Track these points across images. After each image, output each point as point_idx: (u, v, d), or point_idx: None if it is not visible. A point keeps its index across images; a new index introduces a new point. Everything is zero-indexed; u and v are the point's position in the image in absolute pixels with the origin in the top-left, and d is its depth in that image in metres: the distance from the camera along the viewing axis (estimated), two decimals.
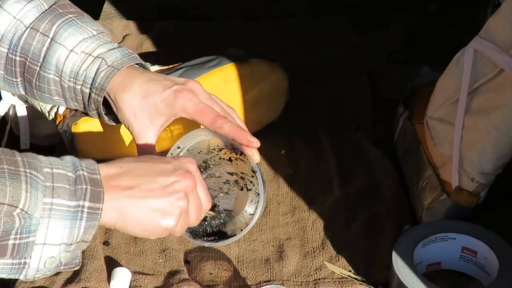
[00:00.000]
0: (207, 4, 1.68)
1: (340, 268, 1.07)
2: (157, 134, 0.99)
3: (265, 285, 1.02)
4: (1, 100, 1.29)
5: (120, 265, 1.07)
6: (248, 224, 1.03)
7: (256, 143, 0.98)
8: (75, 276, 1.05)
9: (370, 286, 1.04)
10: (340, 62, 1.47)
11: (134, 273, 1.06)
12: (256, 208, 1.02)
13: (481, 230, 1.02)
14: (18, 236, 0.77)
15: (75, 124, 1.20)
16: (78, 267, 0.84)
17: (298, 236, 1.13)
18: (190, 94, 0.98)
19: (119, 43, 1.53)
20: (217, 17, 1.64)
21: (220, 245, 1.06)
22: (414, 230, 1.03)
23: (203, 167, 1.07)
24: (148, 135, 0.99)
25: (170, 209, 0.85)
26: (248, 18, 1.61)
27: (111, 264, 1.08)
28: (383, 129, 1.31)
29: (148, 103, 0.98)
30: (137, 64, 1.03)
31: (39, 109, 1.24)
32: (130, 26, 1.59)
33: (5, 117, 1.30)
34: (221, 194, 1.07)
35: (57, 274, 1.05)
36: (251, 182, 1.03)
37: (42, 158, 0.82)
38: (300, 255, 1.10)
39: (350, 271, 1.07)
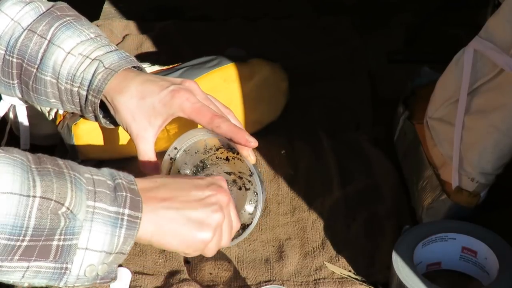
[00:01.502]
0: (207, 4, 1.68)
1: (340, 268, 1.07)
2: (156, 135, 0.99)
3: (265, 285, 1.02)
4: (1, 100, 1.29)
5: (120, 265, 1.07)
6: (249, 225, 1.03)
7: (254, 142, 0.98)
8: None
9: (370, 286, 1.04)
10: (340, 62, 1.47)
11: (134, 273, 1.06)
12: (255, 208, 1.02)
13: (481, 230, 1.02)
14: (62, 237, 0.76)
15: (75, 124, 1.20)
16: (114, 282, 0.84)
17: (298, 236, 1.13)
18: (187, 93, 0.98)
19: (119, 43, 1.53)
20: (217, 17, 1.64)
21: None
22: (414, 230, 1.03)
23: (201, 167, 1.07)
24: (147, 136, 0.99)
25: (207, 220, 0.86)
26: (248, 18, 1.61)
27: None
28: (383, 129, 1.31)
29: (146, 104, 0.98)
30: (134, 67, 1.03)
31: (39, 109, 1.24)
32: (130, 26, 1.59)
33: (5, 117, 1.30)
34: None
35: None
36: (249, 181, 1.03)
37: (81, 165, 0.82)
38: (300, 255, 1.10)
39: (350, 271, 1.07)
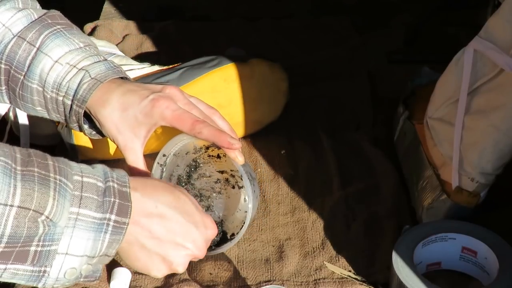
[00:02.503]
0: (207, 4, 1.68)
1: (340, 268, 1.07)
2: (143, 145, 1.00)
3: (265, 285, 1.02)
4: (0, 103, 1.29)
5: (120, 265, 1.07)
6: (242, 227, 1.03)
7: (237, 144, 0.99)
8: None
9: (370, 286, 1.04)
10: (340, 62, 1.47)
11: (134, 273, 1.06)
12: (248, 207, 1.02)
13: (481, 230, 1.02)
14: (40, 243, 0.77)
15: None
16: (98, 281, 0.84)
17: (298, 236, 1.13)
18: (167, 101, 0.98)
19: (119, 43, 1.53)
20: (217, 17, 1.64)
21: (216, 253, 1.06)
22: (414, 230, 1.03)
23: (193, 166, 1.08)
24: (135, 147, 0.99)
25: (172, 266, 0.90)
26: (248, 18, 1.61)
27: (111, 264, 1.07)
28: (383, 129, 1.31)
29: (128, 116, 0.98)
30: (121, 77, 1.02)
31: None
32: (130, 26, 1.59)
33: (5, 117, 1.30)
34: (214, 194, 1.08)
35: None
36: (242, 179, 1.03)
37: (73, 164, 0.82)
38: (300, 255, 1.10)
39: (350, 271, 1.07)
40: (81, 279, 0.82)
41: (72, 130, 1.20)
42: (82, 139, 1.21)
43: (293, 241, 1.12)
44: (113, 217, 0.80)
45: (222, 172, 1.08)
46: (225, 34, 1.55)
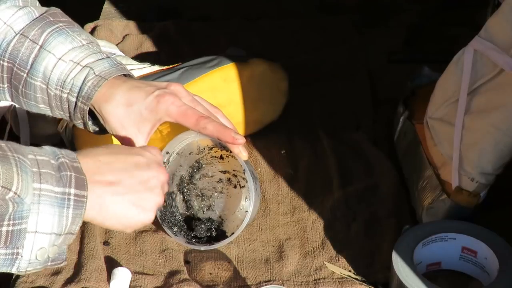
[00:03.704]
0: (207, 4, 1.68)
1: (340, 268, 1.07)
2: (146, 141, 1.00)
3: (265, 285, 1.02)
4: (1, 100, 1.29)
5: (120, 265, 1.07)
6: (241, 224, 1.03)
7: (241, 140, 1.00)
8: (75, 276, 1.05)
9: (370, 286, 1.04)
10: (340, 62, 1.47)
11: (134, 273, 1.06)
12: (249, 205, 1.02)
13: (481, 230, 1.02)
14: (11, 222, 0.77)
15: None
16: (65, 263, 0.85)
17: (298, 236, 1.13)
18: (172, 97, 0.99)
19: (119, 43, 1.53)
20: (217, 17, 1.64)
21: (215, 247, 1.07)
22: (414, 230, 1.03)
23: (196, 167, 1.09)
24: (138, 143, 0.99)
25: (149, 205, 0.89)
26: (248, 18, 1.61)
27: (111, 264, 1.08)
28: (383, 129, 1.31)
29: (133, 111, 0.99)
30: (124, 75, 1.03)
31: None
32: (130, 26, 1.59)
33: (5, 117, 1.30)
34: (216, 194, 1.09)
35: (56, 273, 1.05)
36: (243, 179, 1.04)
37: (23, 145, 0.82)
38: (300, 255, 1.10)
39: (350, 271, 1.07)
40: (49, 263, 0.82)
41: (72, 130, 1.20)
42: (82, 139, 1.21)
43: (293, 241, 1.12)
44: (72, 191, 0.81)
45: (224, 172, 1.08)
46: (225, 34, 1.55)
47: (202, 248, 1.08)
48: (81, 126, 1.04)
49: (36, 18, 1.03)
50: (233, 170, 1.07)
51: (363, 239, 1.11)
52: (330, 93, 1.39)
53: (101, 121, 1.01)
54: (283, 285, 1.05)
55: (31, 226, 0.78)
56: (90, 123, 1.03)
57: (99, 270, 1.05)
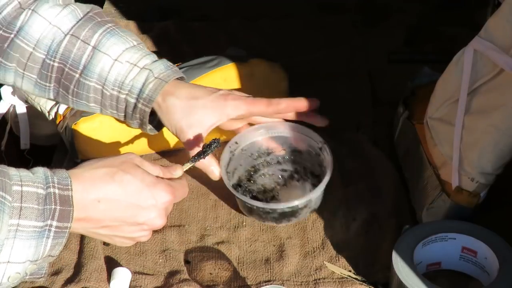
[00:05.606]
0: (207, 4, 1.68)
1: (340, 268, 1.07)
2: (207, 131, 1.04)
3: (265, 285, 1.02)
4: (1, 100, 1.29)
5: (120, 265, 1.07)
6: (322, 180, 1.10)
7: (315, 101, 1.11)
8: (75, 276, 1.05)
9: (370, 286, 1.04)
10: (340, 62, 1.47)
11: (134, 273, 1.06)
12: (325, 172, 1.10)
13: (481, 230, 1.02)
14: None
15: (75, 124, 1.20)
16: (44, 278, 0.85)
17: (298, 236, 1.13)
18: (237, 93, 1.06)
19: None
20: (217, 17, 1.64)
21: (273, 207, 1.09)
22: (414, 230, 1.03)
23: (252, 171, 1.17)
24: (198, 131, 1.03)
25: (143, 238, 0.94)
26: (248, 18, 1.61)
27: (111, 264, 1.08)
28: (383, 129, 1.31)
29: (198, 103, 1.03)
30: (178, 78, 1.07)
31: (39, 109, 1.24)
32: (130, 26, 1.59)
33: (5, 117, 1.30)
34: (278, 187, 1.17)
35: (56, 273, 1.05)
36: (305, 175, 1.14)
37: (12, 173, 0.82)
38: (300, 255, 1.10)
39: (350, 271, 1.07)
40: (27, 277, 0.83)
41: (72, 130, 1.20)
42: (82, 139, 1.21)
43: (293, 241, 1.12)
44: (54, 223, 0.81)
45: (284, 170, 1.16)
46: (225, 34, 1.55)
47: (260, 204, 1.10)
48: (135, 126, 1.06)
49: (82, 18, 1.04)
50: (291, 170, 1.16)
51: (363, 239, 1.11)
52: (330, 93, 1.39)
53: (159, 114, 1.03)
54: (283, 285, 1.05)
55: (3, 258, 0.79)
56: (148, 123, 1.06)
57: (99, 270, 1.05)
